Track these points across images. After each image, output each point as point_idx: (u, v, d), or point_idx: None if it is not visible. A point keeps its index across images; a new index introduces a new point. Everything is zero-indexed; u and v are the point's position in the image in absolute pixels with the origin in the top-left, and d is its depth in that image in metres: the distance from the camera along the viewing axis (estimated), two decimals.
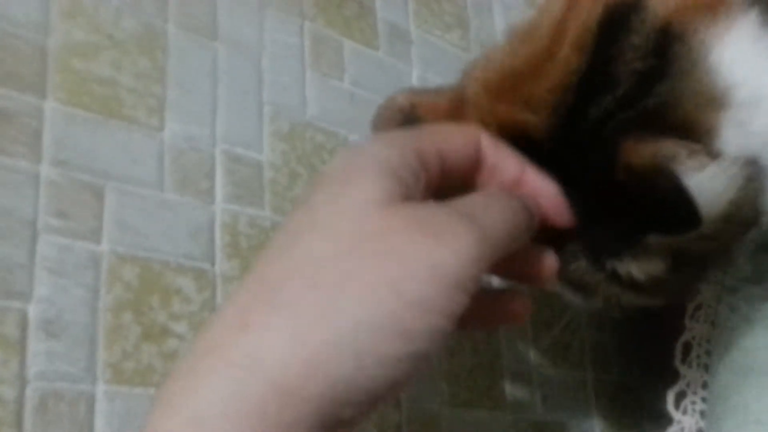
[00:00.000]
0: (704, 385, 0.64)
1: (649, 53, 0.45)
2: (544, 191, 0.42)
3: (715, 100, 0.45)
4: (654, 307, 0.51)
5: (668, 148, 0.43)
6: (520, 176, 0.42)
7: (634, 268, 0.47)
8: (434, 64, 0.68)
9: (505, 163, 0.42)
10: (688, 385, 0.65)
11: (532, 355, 0.66)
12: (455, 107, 0.51)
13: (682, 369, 0.65)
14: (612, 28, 0.46)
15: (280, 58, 0.58)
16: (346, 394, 0.31)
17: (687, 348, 0.66)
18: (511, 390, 0.63)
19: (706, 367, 0.65)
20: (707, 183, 0.43)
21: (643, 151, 0.43)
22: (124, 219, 0.46)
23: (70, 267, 0.43)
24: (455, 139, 0.40)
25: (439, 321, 0.33)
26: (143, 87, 0.49)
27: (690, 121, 0.45)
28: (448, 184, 0.39)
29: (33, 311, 0.42)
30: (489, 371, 0.62)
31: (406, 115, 0.54)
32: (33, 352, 0.41)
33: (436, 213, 0.35)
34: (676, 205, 0.43)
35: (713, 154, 0.44)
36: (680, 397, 0.65)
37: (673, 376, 0.71)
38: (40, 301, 0.42)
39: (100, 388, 0.43)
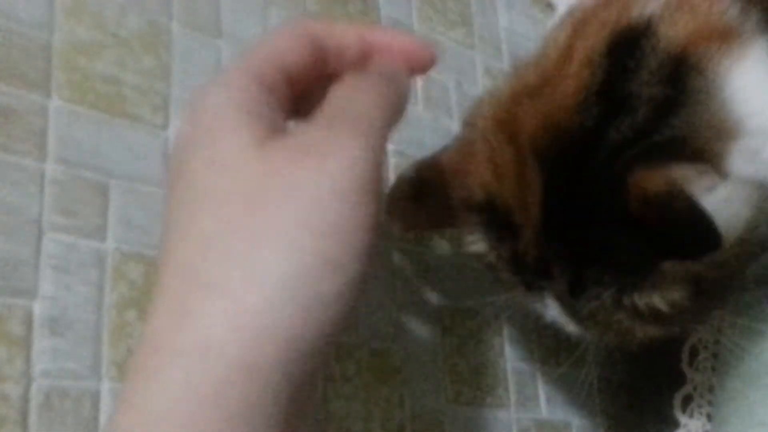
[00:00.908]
0: (711, 389, 0.64)
1: (664, 80, 0.45)
2: (394, 43, 0.40)
3: (727, 131, 0.45)
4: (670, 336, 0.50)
5: (678, 171, 0.43)
6: (364, 44, 0.39)
7: (656, 299, 0.47)
8: (438, 61, 0.67)
9: (345, 39, 0.39)
10: (695, 388, 0.65)
11: (536, 354, 0.66)
12: (463, 154, 0.51)
13: (689, 372, 0.65)
14: (622, 50, 0.46)
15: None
16: (303, 346, 0.30)
17: (694, 351, 0.66)
18: (515, 389, 0.63)
19: (713, 370, 0.64)
20: (722, 203, 0.43)
21: (655, 177, 0.43)
22: (129, 217, 0.46)
23: (74, 265, 0.43)
24: (288, 45, 0.37)
25: (360, 237, 0.32)
26: (147, 85, 0.49)
27: (700, 152, 0.44)
28: (301, 89, 0.38)
29: (38, 309, 0.42)
30: (493, 370, 0.62)
31: (415, 183, 0.53)
32: (38, 350, 0.41)
33: (310, 133, 0.34)
34: (694, 227, 0.43)
35: (723, 175, 0.44)
36: (687, 400, 0.65)
37: (677, 377, 0.71)
38: (45, 299, 0.42)
39: (105, 386, 0.43)
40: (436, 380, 0.58)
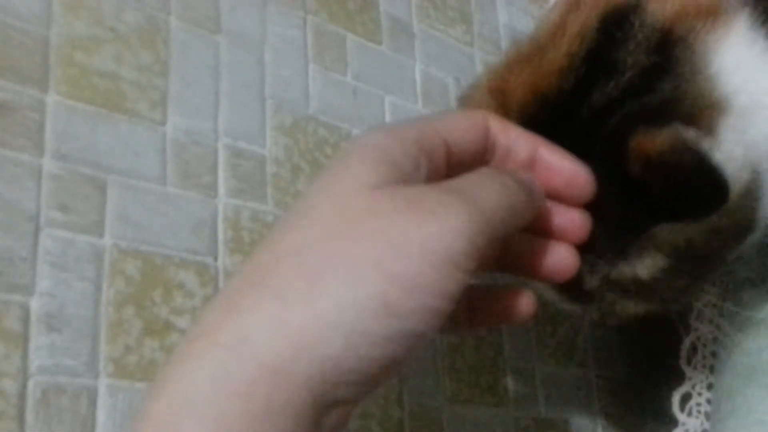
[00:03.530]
0: (709, 387, 0.64)
1: (652, 50, 0.45)
2: (559, 166, 0.41)
3: (716, 105, 0.45)
4: (650, 315, 0.50)
5: (683, 131, 0.43)
6: (534, 155, 0.41)
7: (641, 268, 0.47)
8: (437, 58, 0.67)
9: (517, 143, 0.41)
10: (693, 386, 0.65)
11: (535, 352, 0.66)
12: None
13: (688, 371, 0.65)
14: (612, 23, 0.47)
15: (283, 52, 0.57)
16: (337, 374, 0.30)
17: (693, 349, 0.66)
18: (514, 387, 0.63)
19: (712, 369, 0.64)
20: (724, 163, 0.43)
21: (659, 137, 0.43)
22: (127, 213, 0.46)
23: (72, 261, 0.43)
24: (460, 125, 0.39)
25: (430, 299, 0.32)
26: (145, 80, 0.49)
27: (693, 119, 0.44)
28: (458, 172, 0.38)
29: (35, 305, 0.41)
30: (491, 368, 0.62)
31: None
32: (35, 346, 0.41)
33: (426, 191, 0.34)
34: (704, 180, 0.43)
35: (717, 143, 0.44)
36: (685, 398, 0.65)
37: (676, 375, 0.71)
38: (42, 295, 0.42)
39: (102, 383, 0.42)
40: (435, 378, 0.58)
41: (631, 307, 0.50)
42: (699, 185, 0.43)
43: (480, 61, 0.71)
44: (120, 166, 0.46)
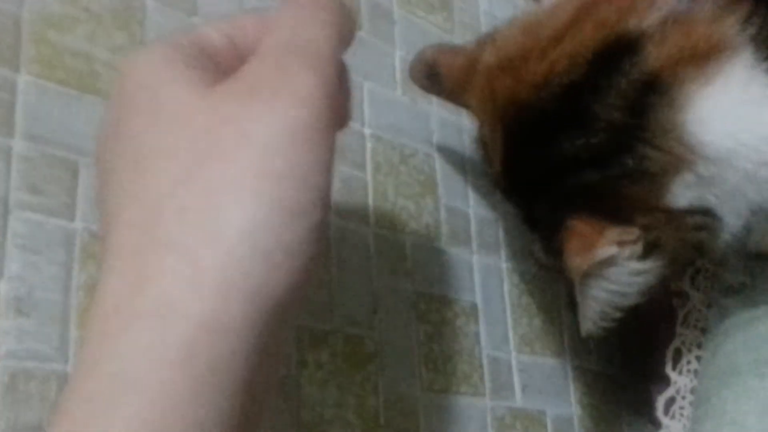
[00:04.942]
0: (693, 391, 0.65)
1: (629, 107, 0.46)
2: None
3: (676, 163, 0.46)
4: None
5: (603, 252, 0.47)
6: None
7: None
8: (417, 45, 0.67)
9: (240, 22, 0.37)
10: (677, 391, 0.65)
11: (512, 342, 0.65)
12: (468, 67, 0.55)
13: (674, 376, 0.65)
14: (604, 62, 0.47)
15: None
16: (272, 300, 0.29)
17: (677, 354, 0.66)
18: (490, 377, 0.62)
19: (696, 373, 0.65)
20: (629, 275, 0.48)
21: (579, 245, 0.48)
22: None
23: (42, 244, 0.42)
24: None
25: (319, 177, 0.31)
26: (119, 61, 0.48)
27: (643, 193, 0.47)
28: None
29: (3, 289, 0.40)
30: (468, 358, 0.61)
31: (431, 68, 0.58)
32: (3, 330, 0.40)
33: (257, 74, 0.32)
34: None
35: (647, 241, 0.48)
36: (670, 402, 0.66)
37: (652, 366, 0.71)
38: (11, 279, 0.41)
39: (72, 368, 0.42)
40: (411, 367, 0.57)
41: None
42: None
43: None
44: (92, 148, 0.45)
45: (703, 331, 0.66)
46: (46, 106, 0.44)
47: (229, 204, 0.29)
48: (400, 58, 0.66)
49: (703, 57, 0.46)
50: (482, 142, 0.56)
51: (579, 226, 0.49)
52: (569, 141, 0.48)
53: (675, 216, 0.48)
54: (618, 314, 0.50)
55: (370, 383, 0.54)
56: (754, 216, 0.49)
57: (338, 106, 0.34)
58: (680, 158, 0.46)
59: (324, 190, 0.31)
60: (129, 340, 0.28)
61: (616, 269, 0.48)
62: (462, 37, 0.72)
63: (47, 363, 0.41)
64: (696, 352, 0.66)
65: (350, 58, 0.62)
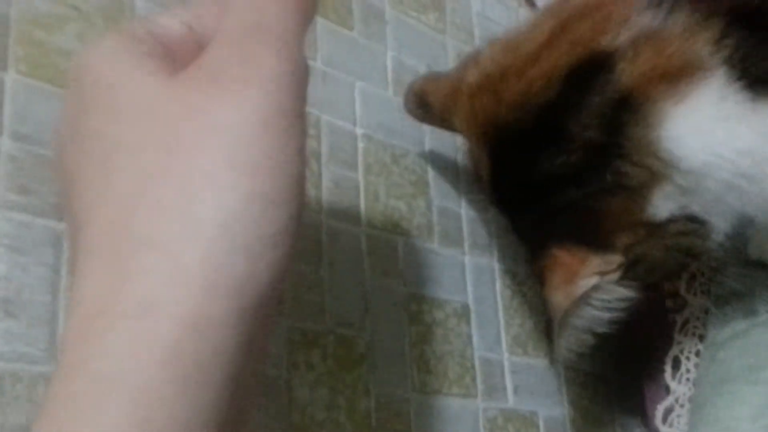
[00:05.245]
0: (691, 399, 0.65)
1: (604, 126, 0.47)
2: None
3: (653, 177, 0.47)
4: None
5: (585, 284, 0.48)
6: None
7: None
8: (410, 45, 0.67)
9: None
10: (677, 399, 0.65)
11: (504, 344, 0.65)
12: (453, 90, 0.56)
13: (672, 384, 0.66)
14: (578, 81, 0.48)
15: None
16: (254, 294, 0.29)
17: (676, 363, 0.66)
18: (482, 378, 0.62)
19: (695, 382, 0.65)
20: (606, 304, 0.49)
21: (561, 278, 0.49)
22: None
23: (29, 244, 0.42)
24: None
25: (296, 166, 0.30)
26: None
27: (625, 209, 0.48)
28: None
29: None
30: (460, 359, 0.61)
31: (420, 98, 0.60)
32: None
33: (221, 60, 0.30)
34: None
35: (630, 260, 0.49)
36: (668, 411, 0.66)
37: (646, 366, 0.71)
38: None
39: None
40: (403, 369, 0.57)
41: None
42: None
43: (452, 49, 0.71)
44: None
45: (701, 338, 0.66)
46: (35, 106, 0.44)
47: (205, 197, 0.28)
48: (392, 58, 0.65)
49: (676, 75, 0.46)
50: (471, 155, 0.57)
51: (560, 256, 0.50)
52: (549, 160, 0.49)
53: (657, 227, 0.48)
54: (592, 342, 0.51)
55: (362, 385, 0.54)
56: (740, 222, 0.49)
57: (305, 84, 0.33)
58: (658, 172, 0.47)
59: (300, 178, 0.30)
60: (113, 341, 0.28)
61: (598, 298, 0.49)
62: (454, 38, 0.71)
63: (35, 365, 0.40)
64: (694, 360, 0.66)
65: (342, 57, 0.62)
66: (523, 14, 0.78)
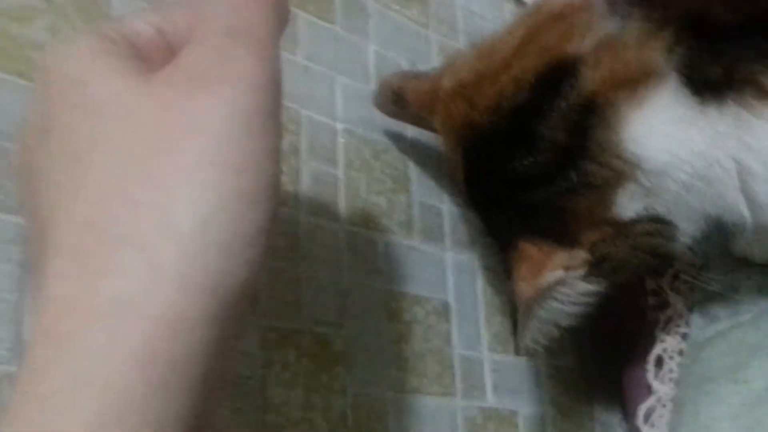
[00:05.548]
0: (673, 399, 0.65)
1: (571, 128, 0.49)
2: None
3: (618, 177, 0.49)
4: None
5: (550, 276, 0.49)
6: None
7: None
8: (392, 39, 0.66)
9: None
10: (659, 399, 0.65)
11: (484, 342, 0.65)
12: (432, 91, 0.56)
13: (655, 384, 0.66)
14: (546, 85, 0.50)
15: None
16: (231, 292, 0.29)
17: (659, 362, 0.66)
18: (461, 377, 0.62)
19: (677, 382, 0.65)
20: (571, 298, 0.50)
21: (528, 270, 0.50)
22: None
23: None
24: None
25: (272, 166, 0.30)
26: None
27: (590, 208, 0.49)
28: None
29: None
30: (439, 357, 0.60)
31: (396, 95, 0.60)
32: None
33: (200, 60, 0.30)
34: None
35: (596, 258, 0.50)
36: (650, 411, 0.66)
37: (634, 375, 0.71)
38: None
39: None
40: (381, 368, 0.57)
41: None
42: None
43: (435, 43, 0.70)
44: None
45: (685, 337, 0.66)
46: (5, 100, 0.43)
47: (184, 196, 0.28)
48: (374, 52, 0.65)
49: (634, 81, 0.48)
50: (447, 156, 0.58)
51: (528, 250, 0.51)
52: (519, 160, 0.50)
53: (623, 226, 0.50)
54: (556, 335, 0.53)
55: (338, 384, 0.54)
56: (707, 222, 0.51)
57: (281, 88, 0.33)
58: (622, 172, 0.48)
59: (276, 177, 0.31)
60: (85, 340, 0.27)
61: (562, 292, 0.50)
62: (437, 32, 0.71)
63: (1, 365, 0.40)
64: (677, 359, 0.66)
65: (323, 51, 0.61)
66: (508, 8, 0.77)
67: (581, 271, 0.50)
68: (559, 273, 0.50)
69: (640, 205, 0.49)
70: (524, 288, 0.51)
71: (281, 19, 0.34)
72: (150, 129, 0.29)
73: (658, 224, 0.50)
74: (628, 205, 0.49)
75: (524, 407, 0.66)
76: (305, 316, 0.53)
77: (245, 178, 0.29)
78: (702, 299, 0.66)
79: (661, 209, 0.50)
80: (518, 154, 0.50)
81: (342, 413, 0.53)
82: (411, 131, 0.65)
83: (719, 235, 0.58)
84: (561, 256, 0.50)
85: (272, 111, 0.31)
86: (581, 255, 0.50)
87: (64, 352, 0.27)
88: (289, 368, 0.51)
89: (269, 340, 0.51)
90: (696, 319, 0.65)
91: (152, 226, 0.28)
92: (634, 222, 0.50)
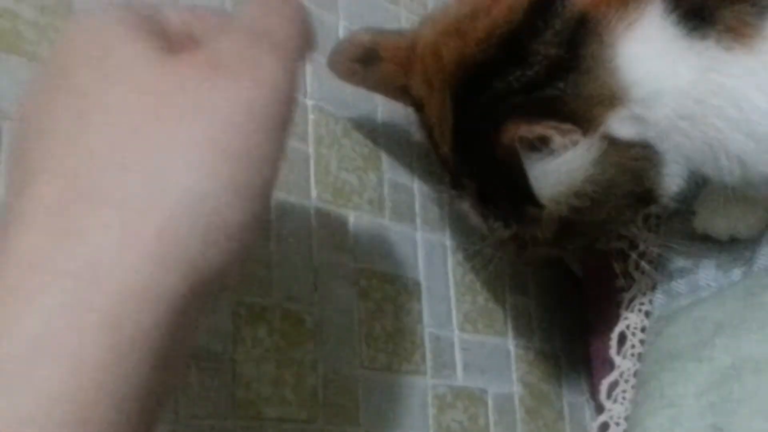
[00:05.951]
0: (636, 374, 0.65)
1: (564, 43, 0.49)
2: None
3: (610, 99, 0.49)
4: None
5: (542, 128, 0.49)
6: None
7: (534, 230, 0.54)
8: (362, 16, 0.65)
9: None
10: (621, 374, 0.66)
11: (455, 321, 0.65)
12: (411, 48, 0.56)
13: (618, 359, 0.66)
14: (539, 8, 0.50)
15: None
16: (202, 280, 0.28)
17: (622, 338, 0.67)
18: (432, 355, 0.61)
19: (640, 357, 0.65)
20: (569, 161, 0.50)
21: (513, 132, 0.48)
22: None
23: None
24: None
25: (273, 168, 0.30)
26: (46, 21, 0.46)
27: (574, 114, 0.49)
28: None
29: None
30: (409, 335, 0.60)
31: (367, 51, 0.57)
32: None
33: (225, 50, 0.31)
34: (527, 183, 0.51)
35: (591, 135, 0.49)
36: (613, 386, 0.66)
37: (594, 345, 0.71)
38: None
39: None
40: (351, 345, 0.56)
41: (542, 252, 0.56)
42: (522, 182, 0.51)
43: (405, 20, 0.69)
44: (16, 110, 0.43)
45: (648, 314, 0.67)
46: None
47: (178, 172, 0.28)
48: (344, 28, 0.64)
49: (625, 2, 0.49)
50: (427, 126, 0.57)
51: (518, 121, 0.50)
52: (507, 78, 0.50)
53: (615, 143, 0.50)
54: (574, 199, 0.52)
55: (309, 360, 0.53)
56: (690, 174, 0.53)
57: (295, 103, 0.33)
58: (613, 90, 0.49)
59: (272, 181, 0.31)
60: (48, 301, 0.26)
61: (548, 149, 0.50)
62: (408, 8, 0.70)
63: None
64: (640, 335, 0.66)
65: None
66: None
67: (572, 137, 0.49)
68: (549, 131, 0.49)
69: (633, 131, 0.50)
70: (514, 133, 0.50)
71: (306, 40, 0.34)
72: (159, 100, 0.29)
73: (646, 150, 0.51)
74: (621, 127, 0.50)
75: (494, 386, 0.66)
76: (276, 293, 0.53)
77: (245, 173, 0.29)
78: (664, 276, 0.66)
79: (652, 137, 0.50)
80: (511, 72, 0.50)
81: (313, 390, 0.53)
82: (382, 109, 0.64)
83: (696, 190, 0.59)
84: (551, 121, 0.49)
85: (284, 119, 0.31)
86: (573, 129, 0.49)
87: (23, 312, 0.26)
88: (259, 344, 0.51)
89: (240, 316, 0.50)
90: (658, 295, 0.66)
91: (136, 194, 0.28)
92: (627, 145, 0.50)
